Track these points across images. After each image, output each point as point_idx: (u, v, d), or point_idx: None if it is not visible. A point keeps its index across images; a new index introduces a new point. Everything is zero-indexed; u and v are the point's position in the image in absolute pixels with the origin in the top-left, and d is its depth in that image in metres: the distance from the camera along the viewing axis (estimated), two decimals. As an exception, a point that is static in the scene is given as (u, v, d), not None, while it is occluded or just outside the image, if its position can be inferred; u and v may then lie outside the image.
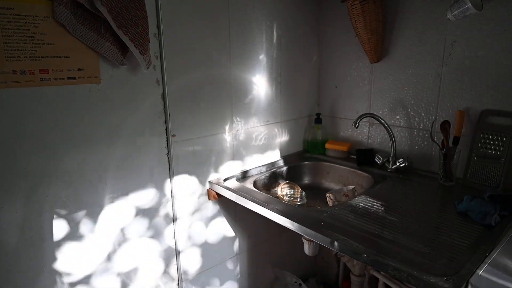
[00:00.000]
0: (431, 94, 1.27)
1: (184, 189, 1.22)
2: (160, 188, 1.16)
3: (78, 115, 0.95)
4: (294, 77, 1.53)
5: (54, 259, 0.97)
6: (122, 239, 1.10)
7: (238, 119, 1.35)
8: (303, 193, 1.29)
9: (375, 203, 1.06)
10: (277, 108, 1.49)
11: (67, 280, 1.00)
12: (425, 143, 1.32)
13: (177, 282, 1.28)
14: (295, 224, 0.95)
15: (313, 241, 1.22)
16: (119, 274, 1.11)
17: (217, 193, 1.27)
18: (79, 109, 0.95)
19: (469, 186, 1.16)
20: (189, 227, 1.26)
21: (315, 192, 1.44)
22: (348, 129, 1.59)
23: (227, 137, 1.32)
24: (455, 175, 1.19)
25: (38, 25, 0.86)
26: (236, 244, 1.44)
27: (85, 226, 1.01)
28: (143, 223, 1.14)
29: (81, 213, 1.00)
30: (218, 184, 1.25)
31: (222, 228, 1.38)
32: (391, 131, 1.34)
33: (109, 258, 1.08)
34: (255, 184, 1.32)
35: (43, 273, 0.95)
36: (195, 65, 1.17)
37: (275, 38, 1.41)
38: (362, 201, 1.07)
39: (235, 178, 1.31)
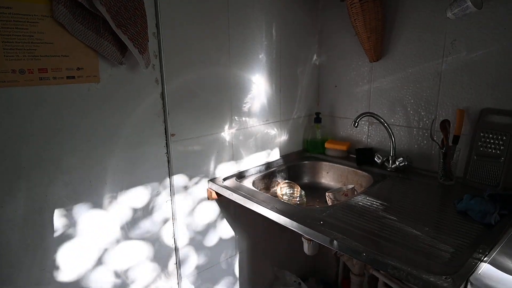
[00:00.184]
0: (431, 93, 1.27)
1: (184, 189, 1.22)
2: (159, 187, 1.16)
3: (77, 115, 0.95)
4: (293, 76, 1.53)
5: (54, 258, 0.97)
6: (122, 238, 1.10)
7: (237, 118, 1.34)
8: (303, 192, 1.28)
9: (374, 202, 1.05)
10: (276, 107, 1.49)
11: (67, 279, 1.00)
12: (425, 142, 1.32)
13: (177, 281, 1.28)
14: (295, 223, 0.95)
15: (312, 240, 1.21)
16: (118, 273, 1.11)
17: (216, 193, 1.27)
18: (78, 109, 0.95)
19: (469, 185, 1.16)
20: (189, 226, 1.26)
21: (314, 191, 1.44)
22: (347, 128, 1.58)
23: (227, 136, 1.32)
24: (455, 174, 1.19)
25: (37, 24, 0.85)
26: (236, 244, 1.44)
27: (85, 226, 1.01)
28: (142, 222, 1.14)
29: (81, 213, 1.00)
30: (217, 183, 1.25)
31: (222, 227, 1.38)
32: (391, 130, 1.33)
33: (108, 257, 1.08)
34: (254, 183, 1.32)
35: (43, 272, 0.95)
36: (194, 64, 1.17)
37: (274, 37, 1.41)
38: (362, 200, 1.07)
39: (234, 178, 1.31)
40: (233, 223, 1.41)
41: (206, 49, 1.19)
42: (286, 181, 1.34)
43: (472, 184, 1.15)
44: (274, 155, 1.53)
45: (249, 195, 1.14)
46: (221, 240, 1.38)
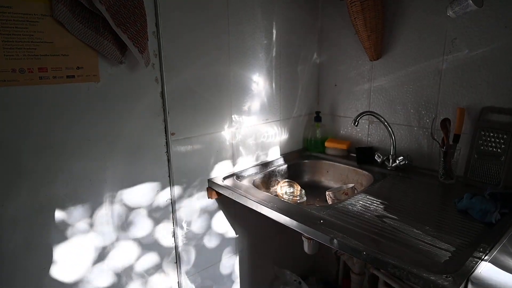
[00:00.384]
0: (431, 91, 1.27)
1: (184, 188, 1.22)
2: (159, 186, 1.16)
3: (77, 114, 0.95)
4: (293, 75, 1.53)
5: (54, 257, 0.97)
6: (122, 237, 1.10)
7: (237, 117, 1.34)
8: (303, 191, 1.28)
9: (374, 201, 1.05)
10: (276, 106, 1.49)
11: (67, 277, 1.00)
12: (425, 141, 1.32)
13: (177, 280, 1.28)
14: (295, 222, 0.95)
15: (312, 239, 1.21)
16: (118, 272, 1.11)
17: (216, 192, 1.27)
18: (78, 108, 0.95)
19: (470, 184, 1.16)
20: (189, 225, 1.26)
21: (314, 190, 1.44)
22: (347, 127, 1.58)
23: (227, 135, 1.32)
24: (455, 173, 1.18)
25: (36, 24, 0.85)
26: (236, 243, 1.44)
27: (85, 225, 1.01)
28: (142, 221, 1.14)
29: (81, 212, 1.00)
30: (217, 182, 1.25)
31: (222, 226, 1.38)
32: (391, 129, 1.33)
33: (108, 256, 1.08)
34: (254, 182, 1.32)
35: (44, 271, 0.95)
36: (194, 63, 1.17)
37: (274, 36, 1.41)
38: (362, 199, 1.07)
39: (234, 177, 1.31)
40: (233, 222, 1.41)
41: (206, 48, 1.19)
42: (286, 180, 1.34)
43: (472, 183, 1.15)
44: (274, 154, 1.53)
45: (249, 194, 1.14)
46: (221, 239, 1.38)
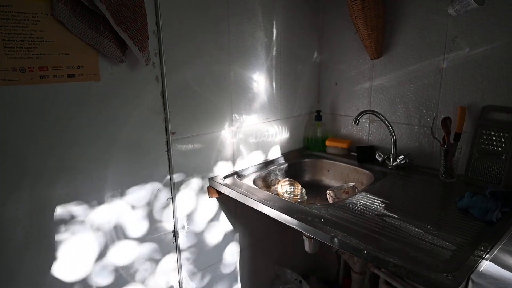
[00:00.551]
0: (432, 90, 1.27)
1: (184, 187, 1.22)
2: (160, 185, 1.16)
3: (77, 113, 0.95)
4: (294, 74, 1.53)
5: (55, 256, 0.97)
6: (123, 236, 1.10)
7: (237, 116, 1.34)
8: (303, 190, 1.28)
9: (375, 200, 1.05)
10: (277, 105, 1.48)
11: (68, 276, 1.00)
12: (426, 139, 1.32)
13: (178, 279, 1.28)
14: (295, 221, 0.95)
15: (313, 238, 1.21)
16: (119, 271, 1.11)
17: (217, 191, 1.27)
18: (78, 107, 0.95)
19: (471, 182, 1.16)
20: (190, 224, 1.26)
21: (315, 189, 1.44)
22: (348, 126, 1.58)
23: (227, 134, 1.32)
24: (456, 171, 1.18)
25: (37, 23, 0.85)
26: (237, 242, 1.45)
27: (85, 224, 1.01)
28: (143, 220, 1.14)
29: (82, 210, 1.00)
30: (218, 181, 1.25)
31: (223, 225, 1.38)
32: (392, 128, 1.33)
33: (109, 254, 1.08)
34: (255, 181, 1.32)
35: (45, 269, 0.96)
36: (194, 62, 1.17)
37: (274, 34, 1.41)
38: (363, 198, 1.07)
39: (235, 176, 1.31)
40: (233, 221, 1.41)
41: (206, 47, 1.19)
42: (287, 179, 1.34)
43: (473, 182, 1.15)
44: (275, 153, 1.53)
45: (249, 193, 1.14)
46: (222, 238, 1.38)
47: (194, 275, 1.32)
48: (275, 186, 1.38)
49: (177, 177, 1.19)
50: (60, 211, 0.96)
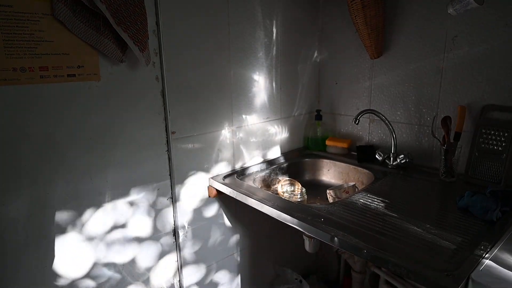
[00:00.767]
0: (432, 89, 1.27)
1: (184, 186, 1.22)
2: (160, 185, 1.16)
3: (78, 113, 0.95)
4: (294, 74, 1.53)
5: (55, 255, 0.97)
6: (123, 235, 1.10)
7: (237, 116, 1.34)
8: (303, 189, 1.28)
9: (375, 200, 1.05)
10: (277, 104, 1.49)
11: (68, 275, 1.00)
12: (426, 139, 1.32)
13: (178, 278, 1.28)
14: (296, 220, 0.95)
15: (313, 237, 1.22)
16: (119, 270, 1.12)
17: (217, 190, 1.27)
18: (79, 107, 0.95)
19: (471, 182, 1.16)
20: (190, 223, 1.27)
21: (315, 188, 1.44)
22: (348, 126, 1.58)
23: (227, 134, 1.32)
24: (456, 171, 1.18)
25: (37, 23, 0.85)
26: (237, 241, 1.45)
27: (86, 223, 1.01)
28: (143, 219, 1.14)
29: (82, 210, 1.00)
30: (218, 181, 1.25)
31: (223, 225, 1.38)
32: (392, 127, 1.33)
33: (109, 253, 1.08)
34: (255, 181, 1.32)
35: (45, 269, 0.96)
36: (194, 61, 1.17)
37: (274, 34, 1.41)
38: (363, 198, 1.07)
39: (235, 175, 1.31)
40: (234, 221, 1.41)
41: (206, 46, 1.19)
42: (287, 178, 1.34)
43: (473, 181, 1.15)
44: (275, 152, 1.53)
45: (250, 192, 1.14)
46: (222, 238, 1.38)
47: (195, 275, 1.32)
48: (275, 186, 1.38)
49: (177, 176, 1.19)
50: (60, 211, 0.96)
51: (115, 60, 0.97)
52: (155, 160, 1.13)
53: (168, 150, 1.16)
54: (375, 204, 1.03)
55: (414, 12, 1.26)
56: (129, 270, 1.14)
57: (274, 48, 1.42)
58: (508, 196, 0.96)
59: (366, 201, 1.05)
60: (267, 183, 1.41)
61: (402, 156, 1.31)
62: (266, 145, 1.48)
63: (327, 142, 1.56)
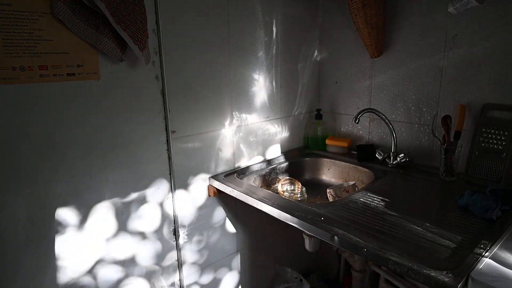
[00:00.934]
0: (432, 88, 1.26)
1: (185, 185, 1.22)
2: (160, 184, 1.16)
3: (77, 112, 0.95)
4: (294, 73, 1.53)
5: (55, 255, 0.97)
6: (123, 235, 1.10)
7: (238, 115, 1.34)
8: (304, 189, 1.28)
9: (375, 199, 1.05)
10: (277, 104, 1.48)
11: (69, 274, 1.00)
12: (426, 138, 1.32)
13: (178, 278, 1.28)
14: (296, 219, 0.95)
15: (313, 236, 1.22)
16: (119, 269, 1.12)
17: (217, 189, 1.27)
18: (78, 106, 0.95)
19: (471, 181, 1.15)
20: (190, 223, 1.27)
21: (315, 188, 1.44)
22: (348, 125, 1.58)
23: (227, 133, 1.32)
24: (457, 170, 1.18)
25: (36, 21, 0.85)
26: (237, 240, 1.45)
27: (86, 223, 1.01)
28: (143, 218, 1.14)
29: (82, 209, 1.00)
30: (218, 180, 1.25)
31: (223, 224, 1.38)
32: (392, 126, 1.33)
33: (109, 253, 1.08)
34: (255, 180, 1.32)
35: (45, 268, 0.96)
36: (194, 61, 1.17)
37: (274, 33, 1.40)
38: (363, 197, 1.07)
39: (235, 174, 1.31)
40: (234, 220, 1.41)
41: (206, 45, 1.19)
42: (287, 177, 1.34)
43: (473, 180, 1.15)
44: (275, 152, 1.53)
45: (250, 191, 1.14)
46: (222, 237, 1.39)
47: (194, 274, 1.32)
48: (276, 185, 1.38)
49: (177, 176, 1.19)
50: (60, 210, 0.96)
51: (114, 59, 0.97)
52: (155, 159, 1.13)
53: (168, 150, 1.16)
54: (375, 203, 1.03)
55: (414, 11, 1.26)
56: (129, 270, 1.14)
57: (274, 47, 1.42)
58: (508, 195, 0.96)
59: (366, 200, 1.05)
60: (267, 182, 1.41)
61: (402, 155, 1.31)
62: (266, 144, 1.48)
63: (327, 141, 1.56)
